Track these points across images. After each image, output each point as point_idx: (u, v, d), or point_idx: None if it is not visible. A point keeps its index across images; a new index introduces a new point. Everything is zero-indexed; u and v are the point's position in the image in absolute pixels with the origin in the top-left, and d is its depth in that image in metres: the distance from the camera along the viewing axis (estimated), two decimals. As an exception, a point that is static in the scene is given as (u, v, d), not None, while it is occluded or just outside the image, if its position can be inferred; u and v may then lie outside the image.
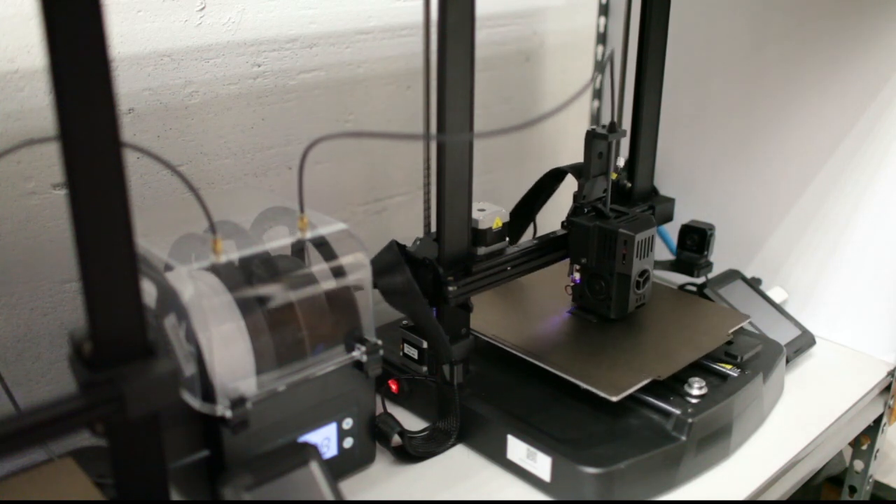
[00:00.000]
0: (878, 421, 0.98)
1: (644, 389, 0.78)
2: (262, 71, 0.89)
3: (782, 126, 1.02)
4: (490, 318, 0.89)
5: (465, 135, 0.73)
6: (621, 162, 0.92)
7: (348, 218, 1.02)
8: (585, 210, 0.86)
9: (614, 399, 0.74)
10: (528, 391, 0.81)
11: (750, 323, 0.93)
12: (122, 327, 0.49)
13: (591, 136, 0.84)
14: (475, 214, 0.78)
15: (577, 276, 0.88)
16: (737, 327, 0.87)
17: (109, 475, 0.52)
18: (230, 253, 0.63)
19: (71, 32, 0.42)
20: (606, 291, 0.85)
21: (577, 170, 0.87)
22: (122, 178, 0.46)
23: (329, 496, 0.61)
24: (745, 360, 0.83)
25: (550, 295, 0.94)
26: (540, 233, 0.92)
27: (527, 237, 0.91)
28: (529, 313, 0.91)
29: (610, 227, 0.83)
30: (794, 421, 0.85)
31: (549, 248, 0.86)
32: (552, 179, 0.91)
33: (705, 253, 0.96)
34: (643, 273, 0.85)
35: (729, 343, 0.85)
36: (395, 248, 0.77)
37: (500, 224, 0.79)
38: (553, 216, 0.92)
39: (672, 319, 0.89)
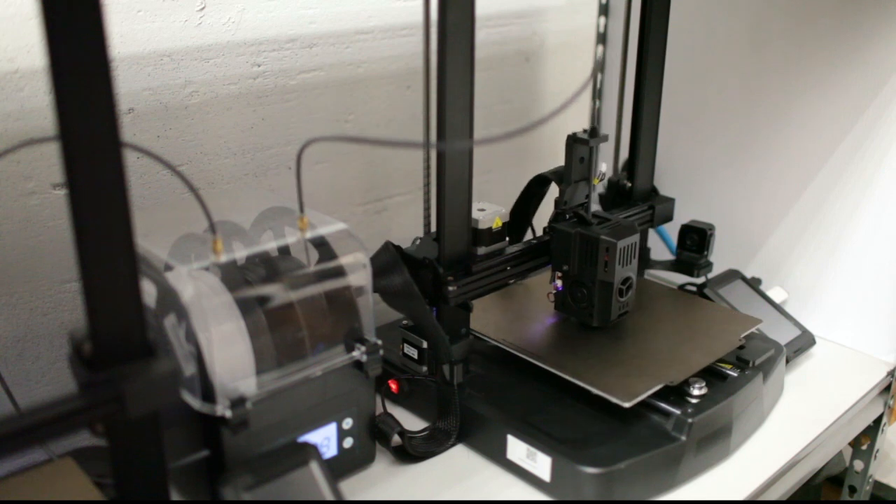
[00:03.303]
0: (878, 421, 0.98)
1: (644, 389, 0.78)
2: (262, 71, 0.89)
3: (782, 126, 1.02)
4: (491, 318, 0.89)
5: (463, 142, 0.73)
6: (603, 167, 0.90)
7: (348, 218, 1.02)
8: (567, 216, 0.84)
9: (627, 405, 0.73)
10: (528, 391, 0.81)
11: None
12: (122, 327, 0.48)
13: (571, 141, 0.82)
14: (475, 214, 0.78)
15: (559, 283, 0.86)
16: (748, 332, 0.86)
17: (109, 475, 0.52)
18: (230, 253, 0.63)
19: (71, 32, 0.42)
20: (588, 299, 0.83)
21: (558, 175, 0.85)
22: (122, 178, 0.46)
23: (329, 496, 0.61)
24: (757, 365, 0.83)
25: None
26: (539, 235, 0.91)
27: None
28: (531, 314, 0.91)
29: (591, 234, 0.80)
30: (794, 421, 0.85)
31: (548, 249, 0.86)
32: (538, 184, 0.89)
33: (705, 253, 0.96)
34: (626, 280, 0.82)
35: (741, 347, 0.84)
36: (392, 248, 0.77)
37: (499, 224, 0.79)
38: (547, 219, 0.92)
39: (680, 322, 0.88)
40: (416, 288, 0.75)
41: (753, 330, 0.88)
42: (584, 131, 0.82)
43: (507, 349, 0.84)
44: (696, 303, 0.95)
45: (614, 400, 0.74)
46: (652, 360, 0.81)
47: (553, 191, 0.93)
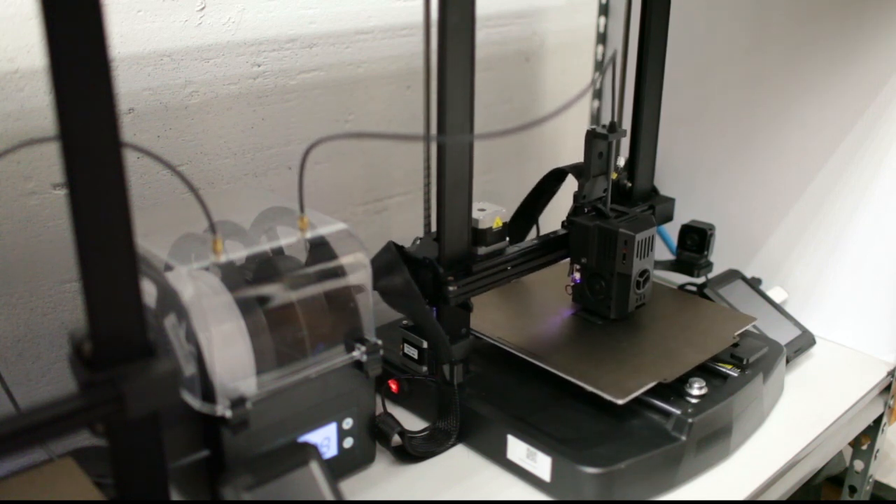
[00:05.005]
0: (878, 421, 0.98)
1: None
2: (262, 71, 0.89)
3: (782, 126, 1.02)
4: (491, 318, 0.89)
5: (464, 136, 0.73)
6: (621, 162, 0.92)
7: (348, 218, 1.02)
8: (586, 210, 0.86)
9: (620, 402, 0.73)
10: (528, 391, 0.81)
11: (750, 323, 0.93)
12: (122, 327, 0.48)
13: (591, 136, 0.84)
14: (475, 214, 0.78)
15: (577, 275, 0.88)
16: (742, 329, 0.87)
17: (109, 475, 0.52)
18: (230, 253, 0.63)
19: (71, 32, 0.42)
20: (606, 291, 0.85)
21: (577, 170, 0.87)
22: (122, 178, 0.46)
23: (329, 496, 0.61)
24: (750, 363, 0.83)
25: (552, 295, 0.94)
26: (542, 233, 0.92)
27: (529, 238, 0.91)
28: (531, 313, 0.91)
29: (610, 227, 0.83)
30: (794, 421, 0.85)
31: (550, 248, 0.86)
32: (553, 180, 0.91)
33: (705, 253, 0.96)
34: (643, 273, 0.85)
35: (735, 345, 0.85)
36: (393, 248, 0.77)
37: (500, 224, 0.79)
38: (553, 216, 0.92)
39: (676, 320, 0.89)
40: (416, 288, 0.75)
41: (750, 328, 0.88)
42: (603, 126, 0.84)
43: (501, 346, 0.84)
44: (689, 301, 0.95)
45: (607, 397, 0.74)
46: (645, 357, 0.81)
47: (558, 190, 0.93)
